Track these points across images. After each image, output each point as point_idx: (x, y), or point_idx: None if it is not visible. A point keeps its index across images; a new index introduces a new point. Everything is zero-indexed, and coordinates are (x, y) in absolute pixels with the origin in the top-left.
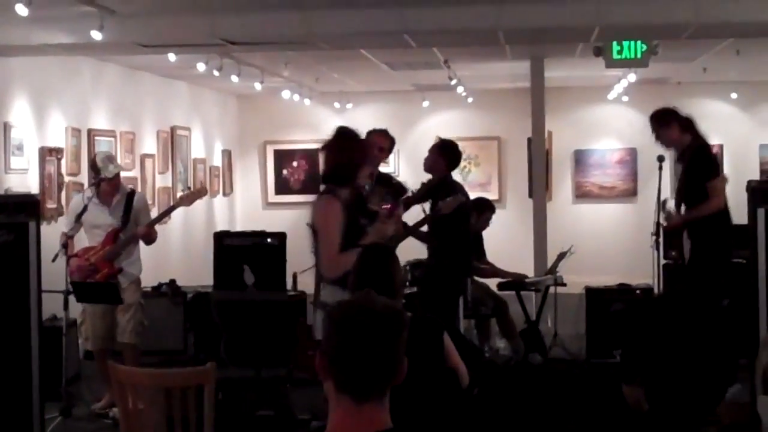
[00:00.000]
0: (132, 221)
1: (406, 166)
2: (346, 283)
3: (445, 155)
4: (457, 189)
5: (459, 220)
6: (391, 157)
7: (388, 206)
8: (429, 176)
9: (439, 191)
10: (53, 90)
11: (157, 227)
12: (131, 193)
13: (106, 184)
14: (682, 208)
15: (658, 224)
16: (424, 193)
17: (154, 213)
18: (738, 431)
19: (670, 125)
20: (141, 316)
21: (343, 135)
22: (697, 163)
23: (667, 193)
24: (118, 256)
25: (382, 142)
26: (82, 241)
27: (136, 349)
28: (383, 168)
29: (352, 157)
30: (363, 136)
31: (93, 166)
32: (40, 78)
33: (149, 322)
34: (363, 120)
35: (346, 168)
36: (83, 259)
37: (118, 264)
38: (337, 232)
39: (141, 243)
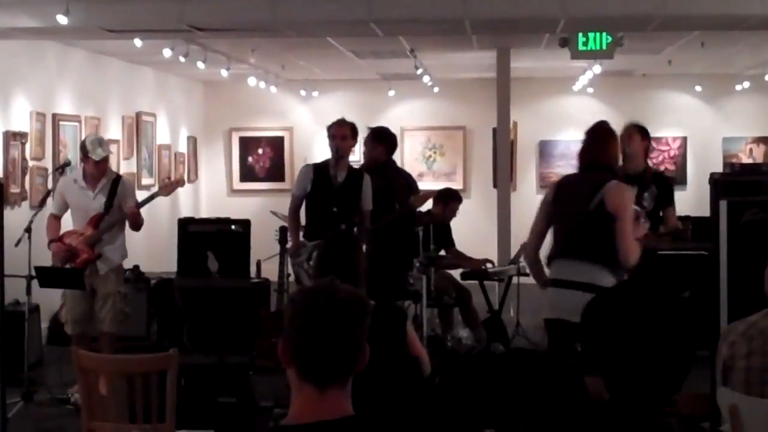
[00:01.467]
0: (116, 206)
1: None
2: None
3: (382, 141)
4: (402, 174)
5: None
6: (356, 146)
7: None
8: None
9: (383, 174)
10: (18, 74)
11: None
12: (117, 178)
13: (92, 167)
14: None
15: None
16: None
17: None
18: (698, 422)
19: (644, 140)
20: (122, 306)
21: (612, 129)
22: (663, 189)
23: None
24: (99, 241)
25: (344, 131)
26: (70, 224)
27: (113, 337)
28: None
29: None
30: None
31: (81, 148)
32: (5, 62)
33: (130, 309)
34: (328, 108)
35: (617, 160)
36: (66, 243)
37: (99, 249)
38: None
39: (126, 229)
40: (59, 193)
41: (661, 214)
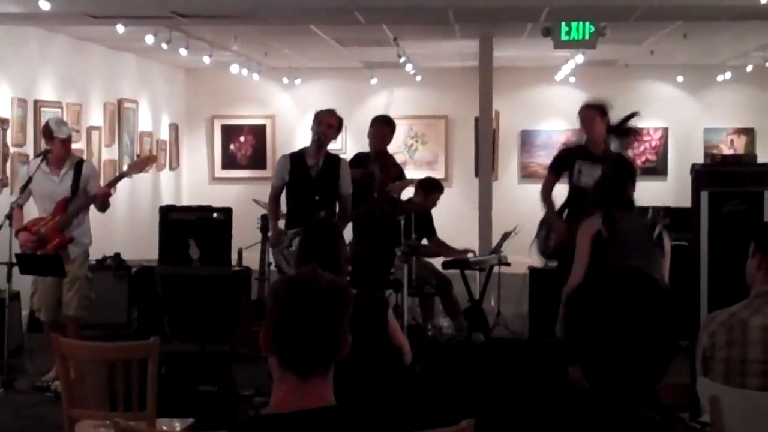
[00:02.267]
0: (81, 190)
1: (353, 144)
2: None
3: (393, 129)
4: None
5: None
6: (340, 136)
7: None
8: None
9: (392, 161)
10: None
11: None
12: (80, 162)
13: (58, 147)
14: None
15: None
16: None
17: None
18: (677, 412)
19: (604, 119)
20: (87, 290)
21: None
22: (623, 170)
23: None
24: (68, 225)
25: (331, 120)
26: (33, 212)
27: (79, 322)
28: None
29: None
30: (312, 112)
31: (45, 130)
32: None
33: (95, 295)
34: (311, 96)
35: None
36: (33, 231)
37: (69, 234)
38: None
39: (90, 214)
40: (20, 182)
41: None
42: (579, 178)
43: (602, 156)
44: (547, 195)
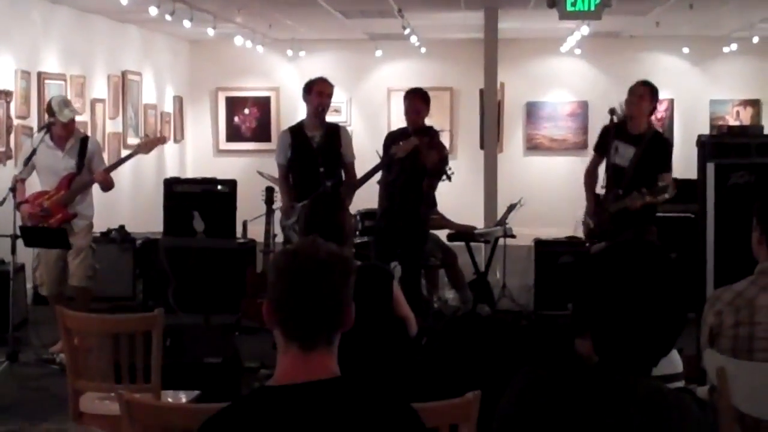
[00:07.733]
0: (86, 166)
1: (358, 116)
2: None
3: (428, 102)
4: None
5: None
6: (343, 106)
7: None
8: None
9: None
10: (2, 32)
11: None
12: (85, 139)
13: (60, 128)
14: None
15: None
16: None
17: (105, 158)
18: (685, 383)
19: (654, 104)
20: (92, 260)
21: None
22: (659, 152)
23: None
24: (72, 201)
25: (329, 89)
26: (36, 186)
27: (87, 292)
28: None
29: None
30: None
31: (48, 109)
32: None
33: (99, 266)
34: (315, 68)
35: None
36: (36, 204)
37: (72, 209)
38: None
39: (94, 186)
40: (23, 156)
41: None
42: (614, 157)
43: (640, 136)
44: (587, 176)
